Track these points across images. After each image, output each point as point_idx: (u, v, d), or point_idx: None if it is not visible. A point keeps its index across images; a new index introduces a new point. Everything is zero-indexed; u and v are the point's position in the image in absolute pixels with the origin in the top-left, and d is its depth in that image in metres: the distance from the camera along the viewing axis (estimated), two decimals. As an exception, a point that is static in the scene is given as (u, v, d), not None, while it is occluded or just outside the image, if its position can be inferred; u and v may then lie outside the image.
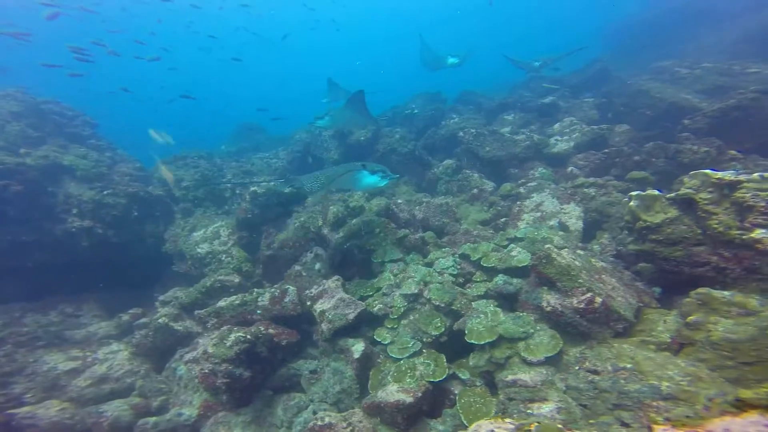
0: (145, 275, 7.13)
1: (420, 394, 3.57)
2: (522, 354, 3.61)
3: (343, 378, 4.19)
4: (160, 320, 5.29)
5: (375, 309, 4.68)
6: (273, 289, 5.11)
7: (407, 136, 9.25)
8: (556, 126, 8.66)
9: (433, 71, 11.89)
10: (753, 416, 2.17)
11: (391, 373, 4.02)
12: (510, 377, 3.47)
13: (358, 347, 4.29)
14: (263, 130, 14.32)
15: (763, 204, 3.48)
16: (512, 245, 5.00)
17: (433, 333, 4.25)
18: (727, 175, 3.74)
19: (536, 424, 2.54)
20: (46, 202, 6.42)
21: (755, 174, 3.65)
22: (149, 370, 5.06)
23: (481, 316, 4.11)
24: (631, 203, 4.24)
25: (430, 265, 5.20)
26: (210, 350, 4.25)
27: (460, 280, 4.95)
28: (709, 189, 3.80)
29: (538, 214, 5.97)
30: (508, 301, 4.41)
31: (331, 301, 4.73)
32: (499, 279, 4.53)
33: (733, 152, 5.92)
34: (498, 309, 4.17)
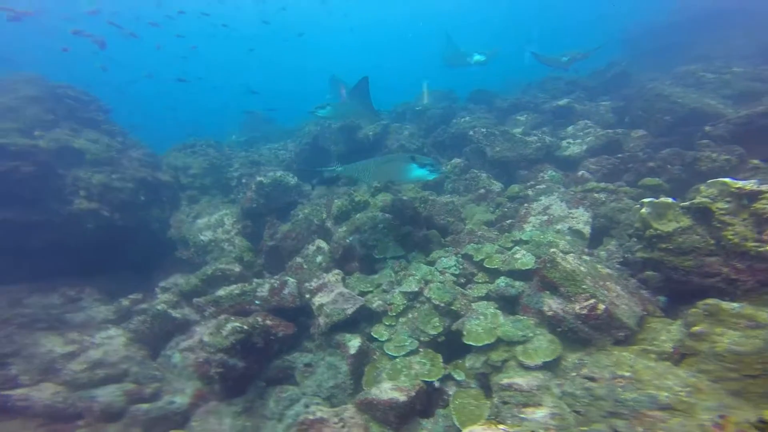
0: (148, 259, 7.16)
1: (414, 394, 3.53)
2: (519, 358, 3.53)
3: (338, 373, 4.15)
4: (158, 307, 5.29)
5: (374, 305, 4.64)
6: (273, 281, 5.08)
7: (416, 133, 9.15)
8: (570, 128, 8.46)
9: (452, 68, 11.69)
10: None
11: (386, 370, 3.98)
12: (506, 380, 3.38)
13: (354, 343, 4.26)
14: (273, 120, 14.33)
15: (784, 216, 3.33)
16: (517, 247, 4.90)
17: (431, 332, 4.19)
18: (748, 185, 3.58)
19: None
20: (55, 183, 6.48)
21: (779, 185, 3.50)
22: (145, 357, 5.03)
23: (481, 317, 4.03)
24: (643, 210, 4.09)
25: (431, 263, 5.14)
26: (206, 339, 4.24)
27: (462, 280, 4.88)
28: (727, 198, 3.64)
29: (545, 217, 5.84)
30: (509, 304, 4.32)
31: (331, 295, 4.69)
32: (501, 281, 4.44)
33: (756, 161, 5.62)
34: (498, 311, 4.08)
